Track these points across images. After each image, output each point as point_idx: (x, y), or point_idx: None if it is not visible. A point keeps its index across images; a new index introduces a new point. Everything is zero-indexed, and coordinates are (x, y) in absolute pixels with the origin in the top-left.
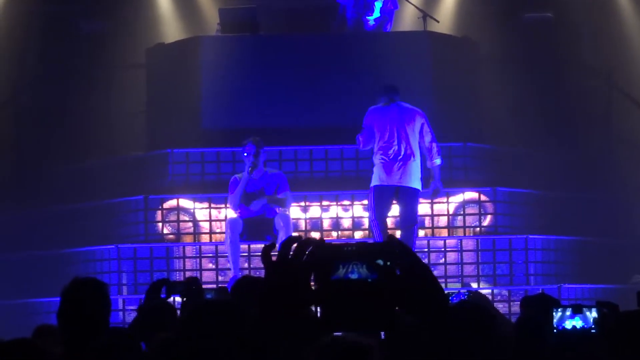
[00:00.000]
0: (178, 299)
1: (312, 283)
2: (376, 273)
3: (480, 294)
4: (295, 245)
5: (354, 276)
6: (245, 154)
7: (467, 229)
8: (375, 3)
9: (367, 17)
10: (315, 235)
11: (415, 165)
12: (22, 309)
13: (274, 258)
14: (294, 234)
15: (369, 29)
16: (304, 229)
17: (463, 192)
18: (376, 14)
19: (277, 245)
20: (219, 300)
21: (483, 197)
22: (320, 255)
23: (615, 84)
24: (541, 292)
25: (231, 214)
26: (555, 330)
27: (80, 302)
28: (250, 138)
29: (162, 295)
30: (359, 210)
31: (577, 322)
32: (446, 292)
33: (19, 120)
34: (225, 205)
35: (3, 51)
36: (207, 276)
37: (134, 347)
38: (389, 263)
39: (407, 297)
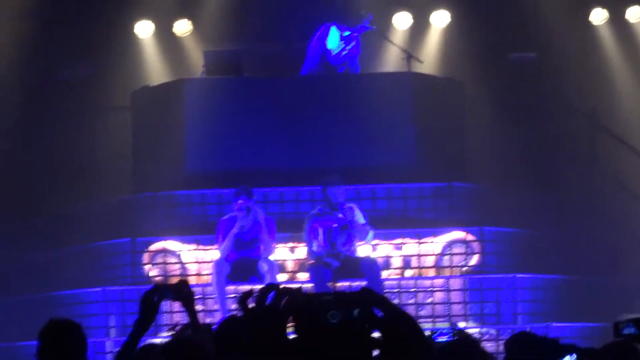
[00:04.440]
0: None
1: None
2: (354, 318)
3: (465, 332)
4: (272, 293)
5: (334, 320)
6: (238, 210)
7: (454, 268)
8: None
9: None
10: (303, 275)
11: None
12: (6, 352)
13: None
14: (280, 276)
15: (337, 61)
16: (291, 270)
17: (449, 232)
18: (334, 44)
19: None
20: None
21: (470, 237)
22: (298, 303)
23: (598, 122)
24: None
25: (217, 255)
26: None
27: (56, 342)
28: (242, 192)
29: (155, 299)
30: None
31: None
32: (430, 331)
33: (4, 165)
34: (213, 246)
35: None
36: None
37: None
38: (365, 312)
39: (389, 340)
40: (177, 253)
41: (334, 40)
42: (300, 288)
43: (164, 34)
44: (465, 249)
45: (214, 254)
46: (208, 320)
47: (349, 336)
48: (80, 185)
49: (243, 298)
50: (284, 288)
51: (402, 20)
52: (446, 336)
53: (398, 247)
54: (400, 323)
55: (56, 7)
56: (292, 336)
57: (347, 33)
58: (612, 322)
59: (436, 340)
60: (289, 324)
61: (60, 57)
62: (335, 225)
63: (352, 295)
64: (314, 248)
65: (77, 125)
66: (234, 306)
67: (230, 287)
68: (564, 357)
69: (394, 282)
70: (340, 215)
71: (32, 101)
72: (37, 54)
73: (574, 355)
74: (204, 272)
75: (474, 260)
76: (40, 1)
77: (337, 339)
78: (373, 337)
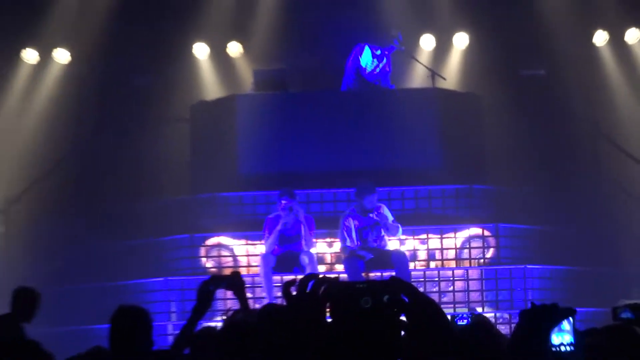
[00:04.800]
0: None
1: (327, 312)
2: (384, 303)
3: (482, 316)
4: (312, 282)
5: (366, 306)
6: (282, 210)
7: (472, 260)
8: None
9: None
10: (339, 267)
11: None
12: (84, 334)
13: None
14: (319, 267)
15: (371, 77)
16: (329, 262)
17: (469, 228)
18: (367, 61)
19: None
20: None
21: (486, 233)
22: (334, 291)
23: (601, 130)
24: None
25: (264, 249)
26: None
27: (125, 326)
28: (285, 193)
29: (211, 287)
30: None
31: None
32: (452, 315)
33: (79, 167)
34: (261, 241)
35: (64, 107)
36: None
37: None
38: (394, 298)
39: (415, 322)
40: (230, 247)
41: (367, 57)
42: (337, 277)
43: (218, 54)
44: (483, 244)
45: (261, 248)
46: (257, 306)
47: (379, 319)
48: (145, 187)
49: (287, 286)
50: (323, 277)
51: (427, 42)
52: (465, 320)
53: (423, 241)
54: (425, 308)
55: (130, 22)
56: (329, 319)
57: (378, 52)
58: (611, 307)
59: (457, 324)
60: (327, 309)
61: (133, 66)
62: (367, 224)
63: (382, 284)
64: (348, 244)
65: (142, 131)
66: (279, 294)
67: (276, 277)
68: (561, 322)
69: (420, 273)
70: (372, 215)
71: (107, 104)
72: (115, 62)
73: (570, 319)
74: (253, 264)
75: (490, 253)
76: (118, 14)
77: (369, 322)
78: (401, 320)
